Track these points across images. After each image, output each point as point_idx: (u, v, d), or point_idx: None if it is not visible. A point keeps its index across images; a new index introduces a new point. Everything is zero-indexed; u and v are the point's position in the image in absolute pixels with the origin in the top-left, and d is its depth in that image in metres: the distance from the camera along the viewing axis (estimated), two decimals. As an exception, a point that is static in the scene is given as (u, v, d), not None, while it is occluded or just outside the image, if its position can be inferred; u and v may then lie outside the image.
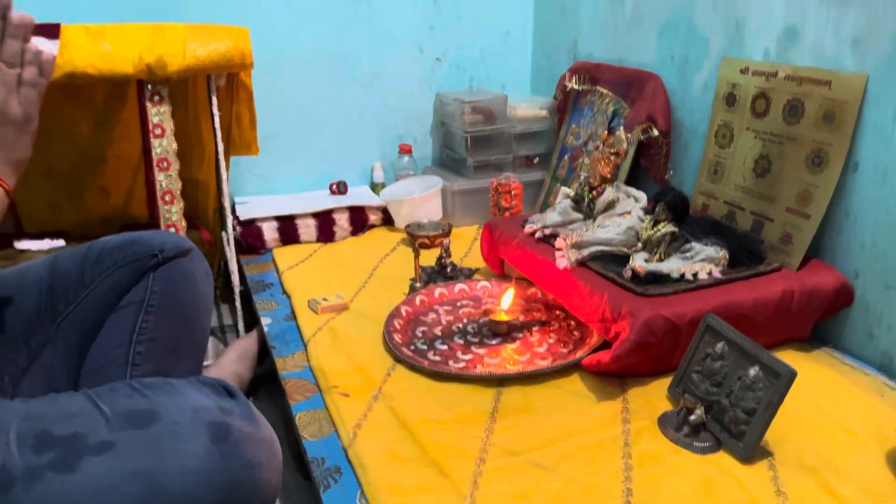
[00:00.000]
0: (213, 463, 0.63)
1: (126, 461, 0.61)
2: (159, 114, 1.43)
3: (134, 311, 0.94)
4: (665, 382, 1.04)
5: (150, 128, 1.44)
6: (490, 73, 2.05)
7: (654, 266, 1.11)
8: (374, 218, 1.83)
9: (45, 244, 1.56)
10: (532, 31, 2.05)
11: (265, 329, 1.32)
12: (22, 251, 1.54)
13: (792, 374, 0.84)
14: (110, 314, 0.94)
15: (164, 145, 1.45)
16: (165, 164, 1.46)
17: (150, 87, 1.42)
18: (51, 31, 1.36)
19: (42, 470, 0.60)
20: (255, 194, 1.89)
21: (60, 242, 1.57)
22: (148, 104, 1.43)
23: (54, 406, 0.67)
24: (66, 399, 0.69)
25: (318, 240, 1.75)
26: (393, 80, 1.95)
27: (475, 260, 1.59)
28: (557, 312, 1.29)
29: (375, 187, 1.97)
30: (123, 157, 1.57)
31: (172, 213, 1.45)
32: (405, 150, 1.96)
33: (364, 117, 1.96)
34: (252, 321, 1.51)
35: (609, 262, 1.18)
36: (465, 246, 1.71)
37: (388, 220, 1.84)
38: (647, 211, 1.25)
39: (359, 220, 1.80)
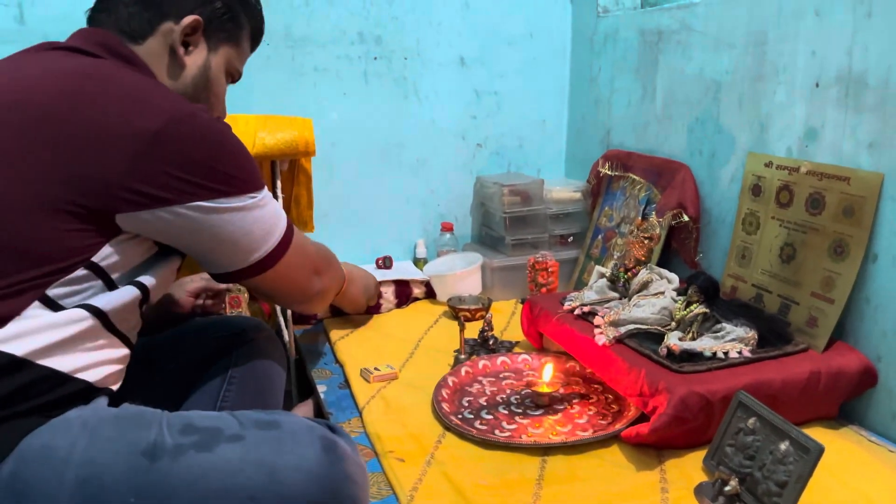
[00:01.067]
0: (322, 468, 0.76)
1: (253, 452, 0.76)
2: (229, 195, 1.58)
3: (217, 385, 1.08)
4: (699, 454, 1.11)
5: (221, 208, 1.58)
6: (527, 158, 2.19)
7: (688, 344, 1.20)
8: (417, 291, 1.93)
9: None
10: (567, 121, 2.20)
11: (321, 396, 1.41)
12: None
13: (820, 450, 0.91)
14: (196, 384, 1.08)
15: (232, 223, 1.58)
16: (232, 240, 1.59)
17: (222, 171, 1.57)
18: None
19: (186, 448, 0.75)
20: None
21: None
22: (220, 186, 1.57)
23: (196, 412, 0.84)
24: (203, 411, 0.90)
25: (366, 311, 1.86)
26: (437, 165, 2.10)
27: (514, 333, 1.68)
28: (595, 386, 1.37)
29: (418, 262, 2.09)
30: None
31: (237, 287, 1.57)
32: (447, 227, 2.09)
33: (409, 198, 2.10)
34: (305, 389, 1.60)
35: (644, 339, 1.26)
36: (504, 320, 1.80)
37: (430, 294, 1.95)
38: (679, 292, 1.35)
39: (403, 293, 1.91)
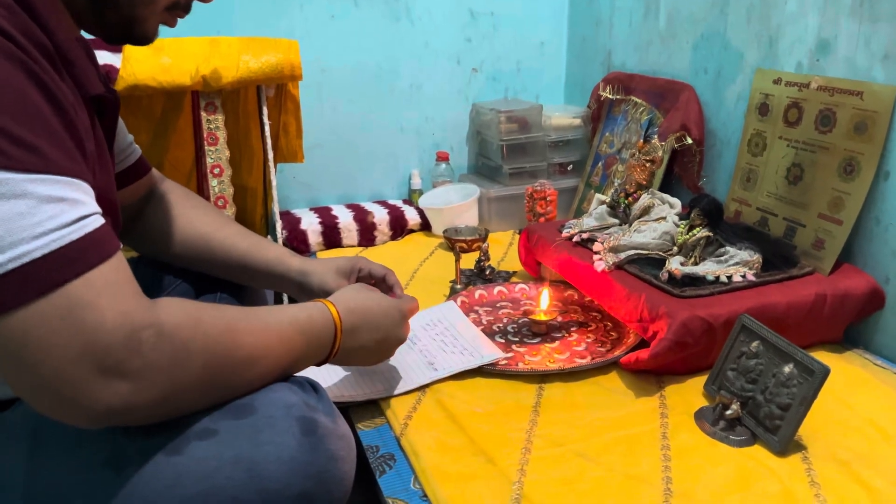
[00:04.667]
0: (304, 454, 0.67)
1: (228, 448, 0.66)
2: (213, 122, 1.52)
3: None
4: (699, 380, 1.08)
5: (205, 136, 1.52)
6: (525, 83, 2.11)
7: (690, 269, 1.16)
8: (412, 223, 1.89)
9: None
10: (566, 43, 2.11)
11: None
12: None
13: (825, 371, 0.88)
14: None
15: (217, 153, 1.53)
16: (218, 170, 1.54)
17: (205, 97, 1.51)
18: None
19: (152, 451, 0.65)
20: (298, 199, 1.96)
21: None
22: (203, 114, 1.52)
23: None
24: None
25: (360, 244, 1.82)
26: (431, 91, 2.02)
27: (511, 263, 1.64)
28: (594, 314, 1.34)
29: (413, 194, 2.04)
30: (178, 164, 1.65)
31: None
32: (442, 157, 2.03)
33: (403, 127, 2.03)
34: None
35: (645, 265, 1.22)
36: (502, 250, 1.76)
37: (425, 226, 1.90)
38: (681, 216, 1.30)
39: (398, 225, 1.87)
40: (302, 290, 1.04)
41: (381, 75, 1.96)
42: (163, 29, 1.66)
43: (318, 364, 0.83)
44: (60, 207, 0.56)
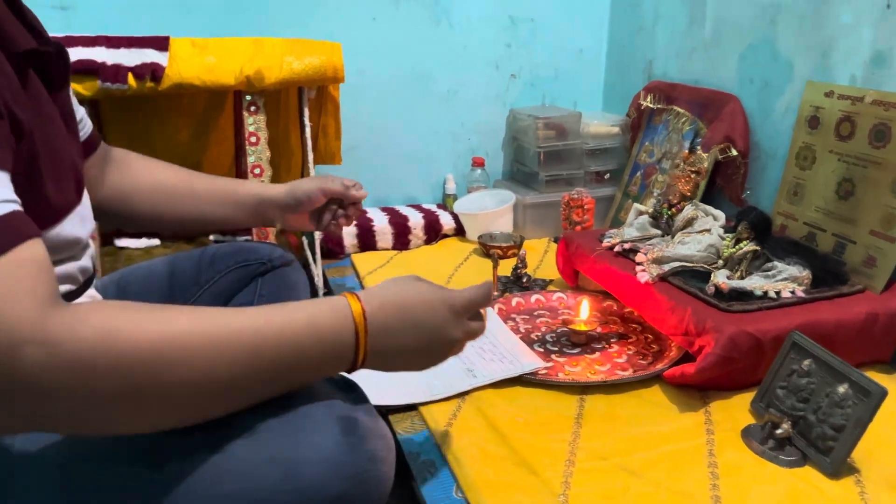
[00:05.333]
0: (342, 455, 0.65)
1: (267, 447, 0.64)
2: (255, 123, 1.52)
3: None
4: (745, 397, 1.06)
5: (246, 136, 1.52)
6: (563, 90, 2.10)
7: (737, 283, 1.14)
8: (447, 228, 1.88)
9: (142, 242, 1.67)
10: (606, 50, 2.09)
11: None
12: (122, 248, 1.65)
13: (883, 393, 0.86)
14: None
15: (258, 153, 1.53)
16: (259, 170, 1.54)
17: (247, 97, 1.51)
18: (160, 43, 1.46)
19: (193, 449, 0.64)
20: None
21: (155, 241, 1.68)
22: (245, 114, 1.52)
23: None
24: None
25: (394, 247, 1.82)
26: (468, 96, 2.01)
27: (547, 271, 1.63)
28: (634, 325, 1.32)
29: (447, 198, 2.03)
30: (216, 163, 1.66)
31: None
32: (478, 163, 2.02)
33: (439, 131, 2.02)
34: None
35: (690, 277, 1.20)
36: (537, 258, 1.75)
37: (459, 231, 1.89)
38: (726, 229, 1.28)
39: (433, 229, 1.86)
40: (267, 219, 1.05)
41: (419, 78, 1.96)
42: (208, 29, 1.69)
43: (348, 371, 0.70)
44: None
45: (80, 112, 0.95)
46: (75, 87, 1.36)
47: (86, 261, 0.78)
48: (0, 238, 0.53)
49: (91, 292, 0.81)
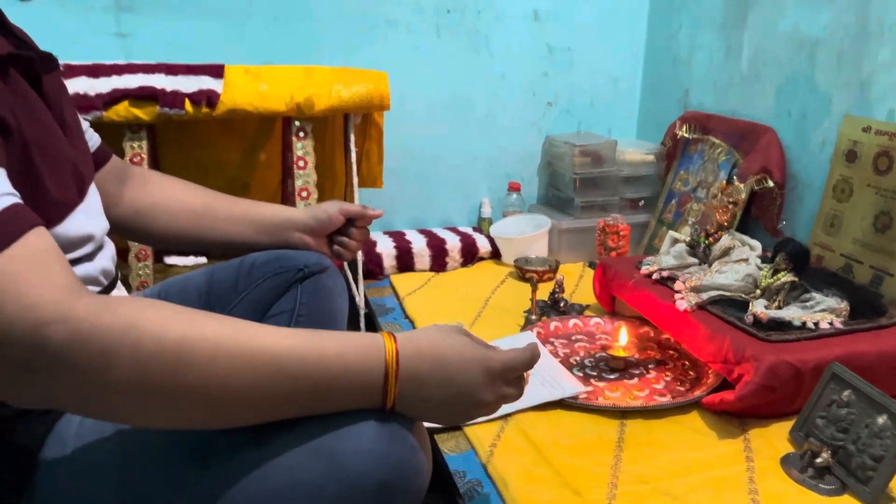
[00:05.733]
0: (382, 444, 0.66)
1: (310, 440, 0.65)
2: (303, 148, 1.58)
3: (286, 319, 1.03)
4: (783, 425, 1.08)
5: (294, 160, 1.58)
6: (598, 117, 2.14)
7: (776, 313, 1.16)
8: (483, 251, 1.92)
9: (190, 260, 1.73)
10: (641, 80, 2.13)
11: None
12: (170, 265, 1.71)
13: (923, 425, 0.88)
14: (261, 320, 1.05)
15: (305, 176, 1.59)
16: (306, 193, 1.60)
17: (296, 123, 1.57)
18: (216, 71, 1.53)
19: (239, 445, 0.66)
20: (373, 223, 2.01)
21: (203, 259, 1.73)
22: (294, 139, 1.58)
23: None
24: None
25: (432, 269, 1.86)
26: (505, 122, 2.06)
27: (583, 296, 1.66)
28: (671, 352, 1.35)
29: (483, 222, 2.07)
30: (264, 185, 1.72)
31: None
32: (514, 188, 2.06)
33: (477, 156, 2.07)
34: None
35: (727, 306, 1.23)
36: (572, 282, 1.78)
37: (495, 254, 1.93)
38: (763, 259, 1.30)
39: (469, 252, 1.90)
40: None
41: (458, 105, 2.01)
42: (260, 57, 1.75)
43: (381, 410, 0.69)
44: None
45: (84, 124, 0.98)
46: (136, 111, 1.43)
47: (105, 262, 0.80)
48: (11, 226, 0.56)
49: (119, 293, 0.84)
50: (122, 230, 1.03)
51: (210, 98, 1.47)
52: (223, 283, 1.07)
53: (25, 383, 0.55)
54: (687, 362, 1.30)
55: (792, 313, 1.17)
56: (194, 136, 1.65)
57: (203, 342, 0.60)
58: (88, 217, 0.79)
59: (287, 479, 0.65)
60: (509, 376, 0.74)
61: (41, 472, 0.67)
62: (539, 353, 0.77)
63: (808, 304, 1.19)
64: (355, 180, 1.63)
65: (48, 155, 0.69)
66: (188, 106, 1.45)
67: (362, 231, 1.14)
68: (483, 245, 1.92)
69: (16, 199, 0.58)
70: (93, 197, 0.82)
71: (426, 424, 0.75)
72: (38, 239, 0.58)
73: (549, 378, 1.21)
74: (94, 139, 0.98)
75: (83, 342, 0.55)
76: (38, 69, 0.75)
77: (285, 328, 0.66)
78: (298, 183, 1.59)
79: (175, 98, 1.45)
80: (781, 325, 1.14)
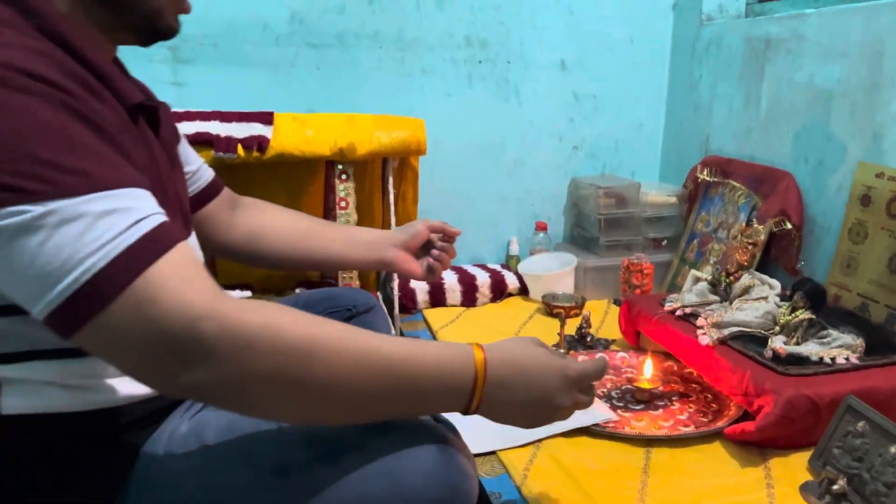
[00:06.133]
0: (440, 466, 0.74)
1: (375, 460, 0.73)
2: (345, 189, 1.68)
3: None
4: (802, 456, 1.14)
5: (336, 201, 1.69)
6: (622, 160, 2.23)
7: (794, 348, 1.23)
8: (511, 287, 2.00)
9: (236, 294, 1.83)
10: (663, 125, 2.23)
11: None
12: (217, 299, 1.81)
13: (933, 454, 0.93)
14: None
15: (346, 215, 1.69)
16: (346, 231, 1.70)
17: (339, 166, 1.68)
18: (266, 118, 1.65)
19: (312, 461, 0.73)
20: (406, 260, 2.11)
21: (248, 293, 1.83)
22: (336, 181, 1.69)
23: None
24: None
25: (462, 304, 1.94)
26: (533, 165, 2.17)
27: (608, 331, 1.73)
28: (694, 385, 1.41)
29: (511, 259, 2.16)
30: (307, 223, 1.82)
31: (350, 274, 1.68)
32: (541, 227, 2.15)
33: (505, 197, 2.17)
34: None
35: (748, 342, 1.30)
36: (598, 318, 1.85)
37: (523, 290, 2.01)
38: (782, 297, 1.37)
39: (498, 288, 1.98)
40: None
41: (489, 149, 2.12)
42: (304, 103, 1.87)
43: (463, 413, 0.77)
44: (113, 218, 0.62)
45: (198, 161, 1.10)
46: (193, 155, 1.55)
47: None
48: (165, 238, 0.65)
49: None
50: (234, 254, 1.14)
51: (260, 143, 1.58)
52: None
53: (178, 373, 0.63)
54: (709, 395, 1.36)
55: (810, 349, 1.24)
56: (246, 177, 1.76)
57: (329, 339, 0.67)
58: (194, 250, 0.90)
59: (355, 493, 0.72)
60: (583, 384, 0.81)
61: (134, 478, 0.76)
62: (608, 366, 0.84)
63: (825, 340, 1.26)
64: (392, 219, 1.73)
65: (164, 194, 0.79)
66: (240, 150, 1.57)
67: (449, 247, 1.22)
68: (512, 281, 2.01)
69: (165, 217, 0.67)
70: (193, 233, 0.93)
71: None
72: (186, 249, 0.67)
73: None
74: (207, 173, 1.10)
75: (232, 336, 0.63)
76: (158, 115, 0.87)
77: (390, 336, 0.74)
78: (340, 221, 1.69)
79: (228, 143, 1.57)
80: (799, 360, 1.21)
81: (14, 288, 0.63)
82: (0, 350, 0.71)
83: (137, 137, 0.78)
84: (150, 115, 0.85)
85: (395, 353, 0.71)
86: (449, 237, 1.21)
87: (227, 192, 1.15)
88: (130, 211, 0.64)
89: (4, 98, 0.62)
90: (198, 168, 1.10)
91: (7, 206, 0.59)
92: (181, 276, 0.64)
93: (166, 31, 0.83)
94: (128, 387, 0.78)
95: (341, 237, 1.20)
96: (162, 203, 0.70)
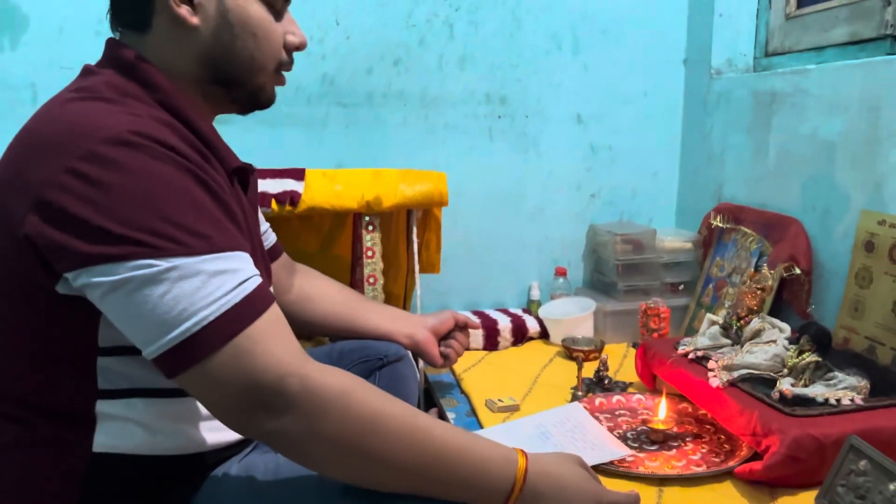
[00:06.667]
0: None
1: None
2: (372, 240, 1.79)
3: None
4: (809, 494, 1.18)
5: (364, 251, 1.79)
6: (639, 207, 2.31)
7: (800, 390, 1.28)
8: (532, 331, 2.07)
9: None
10: (678, 174, 2.31)
11: (451, 422, 1.57)
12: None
13: (929, 491, 0.98)
14: None
15: (373, 264, 1.79)
16: (373, 279, 1.79)
17: (366, 218, 1.78)
18: (298, 174, 1.77)
19: None
20: (431, 305, 2.18)
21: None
22: (363, 232, 1.79)
23: None
24: None
25: (485, 348, 2.02)
26: (553, 213, 2.25)
27: (626, 374, 1.78)
28: (708, 426, 1.46)
29: (532, 304, 2.23)
30: (337, 272, 1.89)
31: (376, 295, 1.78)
32: (560, 272, 2.23)
33: (526, 244, 2.26)
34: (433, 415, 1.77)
35: (757, 384, 1.35)
36: (617, 361, 1.91)
37: (544, 334, 2.08)
38: (791, 340, 1.43)
39: (519, 332, 2.05)
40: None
41: (509, 198, 2.21)
42: (334, 157, 2.02)
43: None
44: (224, 278, 0.72)
45: (265, 224, 1.23)
46: (232, 210, 1.67)
47: None
48: (263, 299, 0.75)
49: None
50: (287, 315, 1.26)
51: (293, 198, 1.70)
52: None
53: (260, 420, 0.72)
54: (722, 436, 1.41)
55: (816, 391, 1.29)
56: (278, 229, 1.86)
57: (393, 419, 0.77)
58: None
59: None
60: None
61: None
62: (639, 499, 0.96)
63: (831, 382, 1.31)
64: (416, 267, 1.82)
65: (254, 248, 0.89)
66: (274, 205, 1.68)
67: (465, 338, 1.38)
68: (532, 325, 2.07)
69: (260, 278, 0.77)
70: (271, 283, 1.05)
71: None
72: (276, 309, 0.77)
73: (598, 443, 1.34)
74: (272, 236, 1.23)
75: (311, 395, 0.73)
76: (249, 176, 0.98)
77: (449, 424, 0.84)
78: (367, 270, 1.79)
79: (263, 199, 1.68)
80: (806, 401, 1.26)
81: (133, 329, 0.72)
82: (103, 386, 0.80)
83: (235, 198, 0.88)
84: (242, 177, 0.96)
85: (448, 443, 0.79)
86: (468, 329, 1.36)
87: (285, 256, 1.27)
88: (237, 272, 0.74)
89: (141, 163, 0.71)
90: (265, 230, 1.22)
91: (139, 259, 0.69)
92: (274, 335, 0.74)
93: (266, 101, 0.95)
94: (213, 435, 0.87)
95: (379, 310, 1.34)
96: (253, 258, 0.80)
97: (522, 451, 0.85)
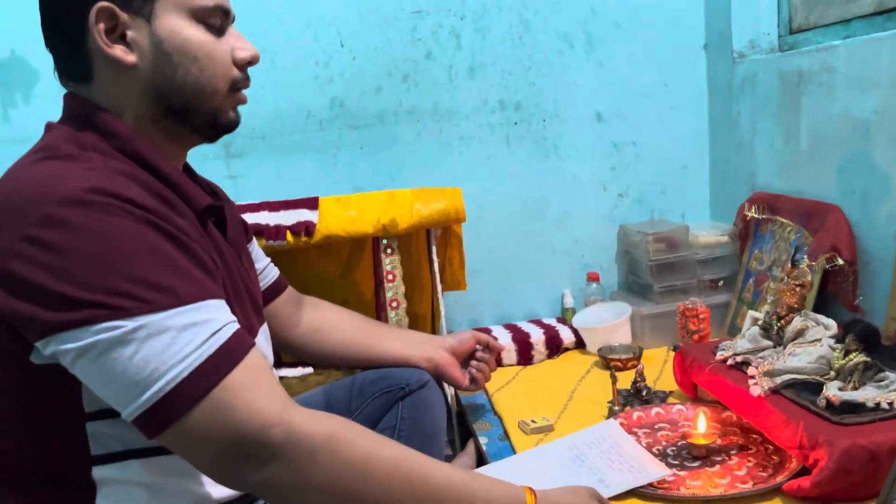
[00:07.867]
0: None
1: None
2: (391, 263, 1.75)
3: (388, 435, 1.19)
4: (867, 508, 1.09)
5: (384, 275, 1.75)
6: (670, 203, 2.22)
7: (849, 395, 1.19)
8: (567, 342, 2.00)
9: (298, 371, 1.90)
10: (709, 165, 2.20)
11: (483, 448, 1.51)
12: (281, 377, 1.89)
13: None
14: None
15: (394, 288, 1.75)
16: (396, 303, 1.76)
17: (384, 241, 1.75)
18: (311, 203, 1.74)
19: None
20: (461, 322, 2.13)
21: (309, 370, 1.91)
22: (382, 256, 1.75)
23: None
24: None
25: (518, 363, 1.95)
26: (580, 217, 2.18)
27: (667, 382, 1.70)
28: (754, 436, 1.37)
29: (566, 312, 2.16)
30: (360, 298, 1.89)
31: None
32: (593, 278, 2.15)
33: (555, 250, 2.19)
34: (467, 438, 1.71)
35: (802, 389, 1.26)
36: (657, 367, 1.82)
37: (580, 344, 2.01)
38: (837, 339, 1.33)
39: (554, 344, 1.99)
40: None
41: (533, 206, 2.15)
42: (350, 181, 1.99)
43: None
44: (194, 331, 0.70)
45: (266, 260, 1.20)
46: (247, 245, 1.65)
47: None
48: (238, 348, 0.72)
49: None
50: (298, 349, 1.26)
51: (307, 228, 1.67)
52: (339, 403, 1.23)
53: (246, 472, 0.70)
54: (770, 446, 1.32)
55: (867, 394, 1.19)
56: (297, 259, 1.86)
57: (384, 462, 0.74)
58: (266, 340, 0.98)
59: None
60: None
61: None
62: None
63: (882, 383, 1.21)
64: (439, 287, 1.78)
65: (235, 288, 0.87)
66: (289, 237, 1.66)
67: (490, 358, 1.35)
68: (567, 336, 2.00)
69: (237, 324, 0.75)
70: (265, 322, 1.01)
71: None
72: (257, 355, 0.75)
73: (637, 464, 1.27)
74: (273, 271, 1.21)
75: (297, 444, 0.70)
76: (225, 215, 0.95)
77: (445, 463, 0.81)
78: (389, 294, 1.75)
79: (278, 231, 1.67)
80: (855, 408, 1.17)
81: (108, 392, 0.71)
82: (99, 451, 0.79)
83: (208, 241, 0.86)
84: (218, 214, 0.93)
85: (445, 484, 0.77)
86: (492, 351, 1.30)
87: (290, 289, 1.25)
88: (208, 323, 0.72)
89: (97, 221, 0.69)
90: (265, 266, 1.20)
91: (102, 322, 0.68)
92: (254, 385, 0.72)
93: (228, 125, 0.91)
94: (218, 489, 0.85)
95: (395, 335, 1.31)
96: (233, 299, 0.78)
97: (530, 488, 0.82)
